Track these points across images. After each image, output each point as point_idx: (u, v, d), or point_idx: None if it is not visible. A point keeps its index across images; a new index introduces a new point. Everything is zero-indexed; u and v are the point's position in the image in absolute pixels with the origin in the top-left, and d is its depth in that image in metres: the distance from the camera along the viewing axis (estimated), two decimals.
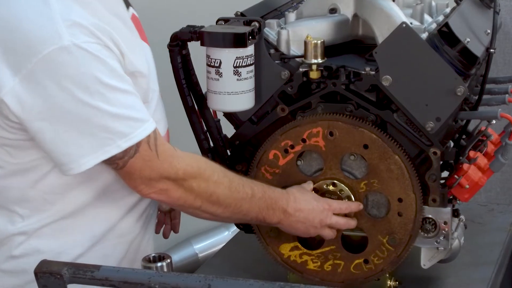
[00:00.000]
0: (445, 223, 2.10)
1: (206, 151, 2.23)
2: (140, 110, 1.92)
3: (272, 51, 2.15)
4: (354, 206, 2.11)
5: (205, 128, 2.23)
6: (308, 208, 2.08)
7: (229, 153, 2.23)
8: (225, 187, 2.01)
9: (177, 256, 3.60)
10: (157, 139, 1.93)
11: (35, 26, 1.82)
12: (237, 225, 2.31)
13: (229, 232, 3.68)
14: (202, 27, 2.12)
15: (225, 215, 2.05)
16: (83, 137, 1.86)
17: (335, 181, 2.12)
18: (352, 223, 2.12)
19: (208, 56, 2.09)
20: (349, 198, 2.12)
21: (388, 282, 2.19)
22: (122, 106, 1.87)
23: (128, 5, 2.10)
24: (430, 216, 2.10)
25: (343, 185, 2.12)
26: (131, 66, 1.94)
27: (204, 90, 2.18)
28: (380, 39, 2.10)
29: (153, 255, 1.89)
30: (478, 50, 2.07)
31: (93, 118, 1.85)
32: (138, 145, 1.89)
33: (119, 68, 1.89)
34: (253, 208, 2.04)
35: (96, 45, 1.84)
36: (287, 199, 2.08)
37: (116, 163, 1.91)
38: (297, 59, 2.13)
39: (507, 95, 2.18)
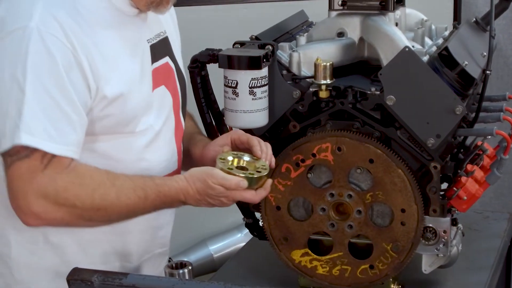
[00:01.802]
0: (444, 231, 2.12)
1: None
2: (61, 132, 1.78)
3: (284, 72, 2.17)
4: (249, 195, 1.96)
5: None
6: (208, 201, 1.96)
7: None
8: (113, 197, 1.85)
9: (194, 257, 3.62)
10: (54, 162, 1.78)
11: (18, 5, 1.80)
12: (251, 232, 2.33)
13: (242, 234, 3.69)
14: (220, 50, 2.15)
15: (120, 220, 1.93)
16: (7, 117, 1.76)
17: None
18: (256, 198, 1.98)
19: (225, 77, 2.11)
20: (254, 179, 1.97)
21: (392, 286, 2.21)
22: (44, 111, 1.76)
23: (155, 58, 2.02)
24: (430, 225, 2.12)
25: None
26: (109, 88, 1.85)
27: (221, 108, 2.20)
28: (384, 61, 2.12)
29: (175, 261, 1.92)
30: (475, 72, 2.09)
31: (18, 102, 1.74)
32: (32, 151, 1.76)
33: (71, 84, 1.78)
34: (149, 208, 1.93)
35: (62, 45, 1.77)
36: (184, 194, 1.94)
37: (5, 160, 1.78)
38: (308, 80, 2.15)
39: (501, 113, 2.20)
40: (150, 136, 2.00)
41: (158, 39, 2.05)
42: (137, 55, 1.95)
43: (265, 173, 1.99)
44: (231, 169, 1.96)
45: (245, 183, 1.93)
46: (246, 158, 2.03)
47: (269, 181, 2.02)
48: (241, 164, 2.02)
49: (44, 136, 1.75)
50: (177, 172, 2.11)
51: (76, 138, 1.80)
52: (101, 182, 1.85)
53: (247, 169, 1.99)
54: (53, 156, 1.77)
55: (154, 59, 2.01)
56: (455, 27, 2.38)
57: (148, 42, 2.00)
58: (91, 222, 1.88)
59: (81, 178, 1.83)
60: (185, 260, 1.92)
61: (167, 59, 2.07)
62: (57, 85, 1.76)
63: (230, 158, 2.01)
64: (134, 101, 1.92)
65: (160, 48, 2.04)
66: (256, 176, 1.96)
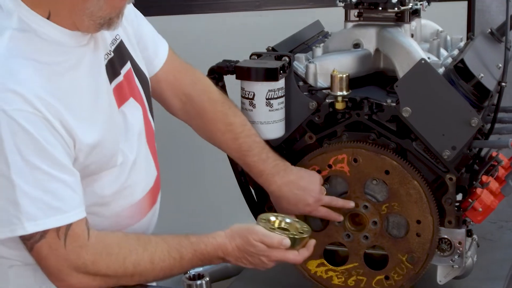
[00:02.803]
0: (459, 243, 2.12)
1: (238, 172, 2.27)
2: (63, 199, 1.71)
3: (300, 83, 2.18)
4: (292, 256, 1.94)
5: None
6: (247, 259, 1.93)
7: None
8: (147, 263, 1.82)
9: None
10: (69, 229, 1.72)
11: None
12: None
13: None
14: (237, 61, 2.15)
15: (158, 280, 1.89)
16: None
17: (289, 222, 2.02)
18: (299, 258, 1.95)
19: (242, 89, 2.12)
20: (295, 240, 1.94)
21: None
22: (39, 188, 1.68)
23: (115, 73, 1.91)
24: (446, 236, 2.12)
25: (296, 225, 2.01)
26: (84, 138, 1.75)
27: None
28: (400, 73, 2.12)
29: (193, 273, 1.91)
30: (490, 84, 2.09)
31: (7, 190, 1.66)
32: (45, 232, 1.70)
33: (52, 148, 1.69)
34: (186, 267, 1.89)
35: (31, 115, 1.66)
36: (223, 250, 1.91)
37: (25, 243, 1.73)
38: (324, 91, 2.15)
39: None
40: (129, 162, 1.91)
41: (113, 46, 1.92)
42: (101, 88, 1.85)
43: (307, 234, 1.95)
44: (273, 229, 1.93)
45: (287, 241, 1.89)
46: (288, 220, 2.01)
47: (312, 241, 1.97)
48: (282, 225, 1.99)
49: (48, 213, 1.69)
50: (156, 184, 2.02)
51: (78, 198, 1.74)
52: (132, 249, 1.81)
53: (288, 230, 1.96)
54: (67, 226, 1.72)
55: (112, 77, 1.89)
56: (470, 38, 2.37)
57: (105, 59, 1.87)
58: (129, 284, 1.83)
59: (109, 248, 1.78)
60: (202, 271, 1.92)
61: (129, 66, 1.96)
62: (41, 157, 1.68)
63: (272, 218, 1.99)
64: (110, 139, 1.84)
65: (118, 57, 1.93)
66: (298, 237, 1.93)
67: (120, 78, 1.92)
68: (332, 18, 2.45)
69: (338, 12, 2.31)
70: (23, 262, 1.80)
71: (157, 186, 2.03)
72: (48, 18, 1.73)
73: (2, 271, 1.84)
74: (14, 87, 1.65)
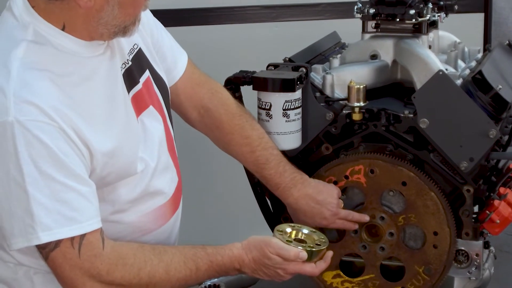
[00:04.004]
0: (476, 255, 2.10)
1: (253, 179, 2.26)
2: (77, 210, 1.70)
3: (317, 94, 2.17)
4: (309, 268, 1.90)
5: None
6: (264, 271, 1.90)
7: None
8: (162, 274, 1.80)
9: None
10: (84, 238, 1.71)
11: None
12: None
13: None
14: (254, 72, 2.14)
15: None
16: (13, 217, 1.68)
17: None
18: (316, 271, 1.92)
19: (259, 99, 2.11)
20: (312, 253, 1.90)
21: None
22: (54, 199, 1.67)
23: (133, 82, 1.90)
24: (463, 248, 2.11)
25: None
26: (100, 148, 1.74)
27: None
28: (418, 84, 2.11)
29: (208, 283, 1.91)
30: (509, 95, 2.08)
31: (21, 200, 1.66)
32: (59, 241, 1.69)
33: (68, 158, 1.68)
34: (202, 278, 1.87)
35: (46, 125, 1.66)
36: (239, 262, 1.88)
37: (41, 252, 1.72)
38: (341, 102, 2.15)
39: None
40: (150, 170, 1.90)
41: (131, 55, 1.91)
42: (117, 98, 1.84)
43: (324, 246, 1.92)
44: (290, 241, 1.90)
45: (304, 254, 1.86)
46: (305, 230, 1.97)
47: (330, 253, 1.93)
48: (299, 236, 1.95)
49: (63, 223, 1.68)
50: (177, 191, 2.02)
51: (93, 208, 1.73)
52: (147, 260, 1.79)
53: (305, 242, 1.93)
54: (82, 236, 1.70)
55: (130, 86, 1.88)
56: (487, 50, 2.36)
57: (122, 69, 1.86)
58: None
59: (124, 258, 1.76)
60: (217, 281, 1.91)
61: (147, 74, 1.95)
62: (56, 167, 1.67)
63: (288, 230, 1.96)
64: (127, 147, 1.83)
65: (137, 66, 1.92)
66: (316, 249, 1.89)
67: (139, 86, 1.91)
68: (349, 29, 2.44)
69: (355, 23, 2.31)
70: (46, 270, 1.80)
71: (179, 192, 2.03)
72: (63, 30, 1.74)
73: (27, 277, 1.85)
74: (30, 98, 1.65)
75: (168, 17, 3.03)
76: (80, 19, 1.73)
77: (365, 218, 2.13)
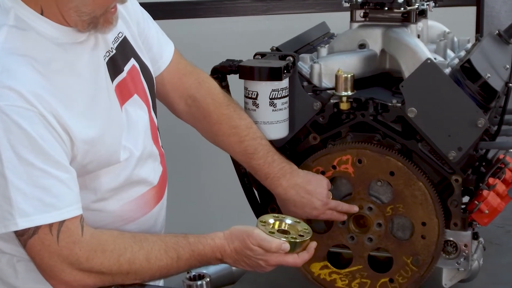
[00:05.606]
0: (465, 245, 2.08)
1: (241, 173, 2.24)
2: (56, 196, 1.68)
3: (305, 83, 2.14)
4: (291, 259, 1.88)
5: None
6: (245, 262, 1.89)
7: None
8: (142, 261, 1.78)
9: (213, 269, 3.58)
10: (63, 225, 1.69)
11: None
12: None
13: None
14: (241, 61, 2.12)
15: (155, 279, 1.86)
16: None
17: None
18: (298, 261, 1.89)
19: (245, 88, 2.09)
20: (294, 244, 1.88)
21: None
22: (32, 185, 1.65)
23: (117, 70, 1.88)
24: (451, 239, 2.08)
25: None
26: (81, 135, 1.73)
27: None
28: (406, 73, 2.08)
29: (193, 273, 1.88)
30: (497, 84, 2.05)
31: (0, 186, 1.65)
32: (37, 228, 1.67)
33: (47, 145, 1.66)
34: (183, 267, 1.85)
35: (25, 111, 1.64)
36: (221, 252, 1.87)
37: (19, 239, 1.71)
38: (329, 91, 2.12)
39: None
40: (134, 158, 1.89)
41: (116, 44, 1.89)
42: (100, 86, 1.82)
43: (308, 237, 1.89)
44: (273, 232, 1.87)
45: (287, 246, 1.84)
46: (288, 221, 1.95)
47: (313, 243, 1.91)
48: (282, 227, 1.93)
49: (41, 209, 1.66)
50: (162, 180, 2.00)
51: (73, 195, 1.71)
52: (127, 247, 1.77)
53: (289, 232, 1.91)
54: (60, 223, 1.69)
55: (114, 74, 1.87)
56: (477, 40, 2.34)
57: (105, 57, 1.85)
58: (125, 283, 1.79)
59: (103, 245, 1.75)
60: (204, 271, 1.89)
61: (132, 62, 1.93)
62: (35, 153, 1.65)
63: (271, 220, 1.93)
64: (110, 136, 1.81)
65: (121, 54, 1.90)
66: (299, 240, 1.87)
67: (123, 74, 1.89)
68: (339, 22, 2.42)
69: (346, 16, 2.28)
70: (29, 258, 1.77)
71: (164, 181, 2.01)
72: (42, 14, 1.72)
73: (10, 265, 1.84)
74: (10, 83, 1.64)
75: (157, 10, 3.00)
76: (53, 2, 1.72)
77: (355, 208, 2.10)
